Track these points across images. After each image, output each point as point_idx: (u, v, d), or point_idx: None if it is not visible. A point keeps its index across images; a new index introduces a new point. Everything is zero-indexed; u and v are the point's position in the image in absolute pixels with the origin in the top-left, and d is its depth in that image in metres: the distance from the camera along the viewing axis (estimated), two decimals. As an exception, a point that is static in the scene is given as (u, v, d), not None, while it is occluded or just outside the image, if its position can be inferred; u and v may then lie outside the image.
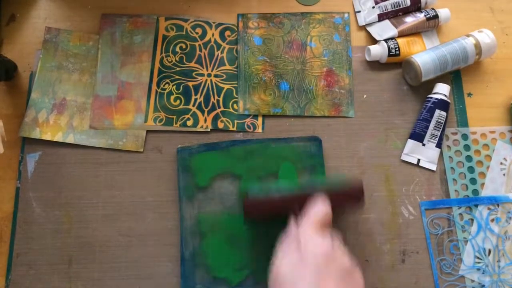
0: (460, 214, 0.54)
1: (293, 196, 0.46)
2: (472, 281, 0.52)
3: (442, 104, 0.55)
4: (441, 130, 0.55)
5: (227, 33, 0.60)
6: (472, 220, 0.54)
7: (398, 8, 0.61)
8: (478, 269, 0.52)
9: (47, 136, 0.55)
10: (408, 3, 0.60)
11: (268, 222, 0.49)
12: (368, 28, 0.61)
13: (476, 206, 0.54)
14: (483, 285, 0.51)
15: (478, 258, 0.52)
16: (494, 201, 0.54)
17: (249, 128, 0.56)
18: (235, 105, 0.57)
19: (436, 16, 0.59)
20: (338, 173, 0.53)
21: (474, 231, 0.53)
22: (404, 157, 0.56)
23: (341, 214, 0.52)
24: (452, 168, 0.56)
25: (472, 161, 0.56)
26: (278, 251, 0.41)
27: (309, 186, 0.47)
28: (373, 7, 0.61)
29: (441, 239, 0.53)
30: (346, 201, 0.48)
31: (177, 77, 0.58)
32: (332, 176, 0.52)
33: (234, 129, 0.56)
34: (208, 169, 0.53)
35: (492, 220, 0.54)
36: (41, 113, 0.56)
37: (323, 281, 0.37)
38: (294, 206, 0.45)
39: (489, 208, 0.54)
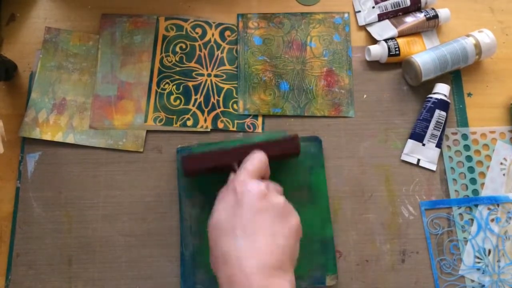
0: (460, 214, 0.54)
1: (230, 151, 0.47)
2: (472, 281, 0.52)
3: (442, 104, 0.55)
4: (441, 130, 0.55)
5: (227, 33, 0.60)
6: (472, 220, 0.54)
7: (398, 8, 0.61)
8: (478, 269, 0.52)
9: (47, 136, 0.55)
10: (408, 3, 0.60)
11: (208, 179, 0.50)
12: (368, 28, 0.61)
13: (476, 206, 0.54)
14: (483, 285, 0.52)
15: (478, 258, 0.52)
16: (494, 201, 0.54)
17: (249, 128, 0.56)
18: (235, 105, 0.57)
19: (436, 16, 0.59)
20: (279, 131, 0.55)
21: (474, 231, 0.53)
22: (404, 157, 0.56)
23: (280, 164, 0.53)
24: (452, 168, 0.56)
25: (472, 161, 0.56)
26: (216, 201, 0.43)
27: (246, 141, 0.48)
28: (373, 7, 0.61)
29: (441, 239, 0.53)
30: (282, 150, 0.49)
31: (177, 77, 0.58)
32: (270, 132, 0.54)
33: (234, 129, 0.56)
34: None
35: (492, 220, 0.54)
36: (41, 113, 0.56)
37: (258, 221, 0.38)
38: (232, 161, 0.46)
39: (489, 208, 0.54)
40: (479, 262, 0.52)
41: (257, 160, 0.44)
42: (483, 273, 0.52)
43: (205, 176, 0.50)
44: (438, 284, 0.51)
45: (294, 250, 0.40)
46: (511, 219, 0.54)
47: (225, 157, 0.47)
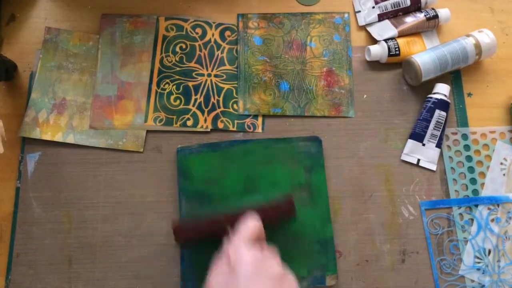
0: (460, 214, 0.54)
1: (223, 219, 0.46)
2: (472, 281, 0.52)
3: (442, 104, 0.55)
4: (441, 130, 0.55)
5: (227, 33, 0.60)
6: (472, 220, 0.54)
7: (398, 8, 0.61)
8: (478, 269, 0.52)
9: (47, 136, 0.55)
10: (408, 3, 0.60)
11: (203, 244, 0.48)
12: (368, 28, 0.61)
13: (476, 206, 0.54)
14: (483, 285, 0.51)
15: (478, 258, 0.52)
16: (494, 201, 0.54)
17: (249, 128, 0.56)
18: (235, 105, 0.57)
19: (436, 16, 0.59)
20: (273, 192, 0.52)
21: (474, 231, 0.53)
22: (404, 157, 0.56)
23: (275, 227, 0.51)
24: (452, 168, 0.56)
25: (472, 161, 0.56)
26: (211, 268, 0.41)
27: (239, 206, 0.47)
28: (373, 7, 0.61)
29: (441, 239, 0.53)
30: (277, 214, 0.48)
31: (177, 77, 0.58)
32: (264, 194, 0.52)
33: (234, 129, 0.56)
34: (208, 169, 0.53)
35: (492, 220, 0.54)
36: (41, 113, 0.56)
37: None
38: (225, 227, 0.45)
39: (489, 208, 0.54)
40: (479, 262, 0.52)
41: (251, 226, 0.42)
42: (483, 273, 0.52)
43: (196, 241, 0.50)
44: (438, 284, 0.51)
45: None
46: (511, 219, 0.54)
47: (217, 225, 0.46)
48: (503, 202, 0.54)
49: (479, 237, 0.53)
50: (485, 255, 0.52)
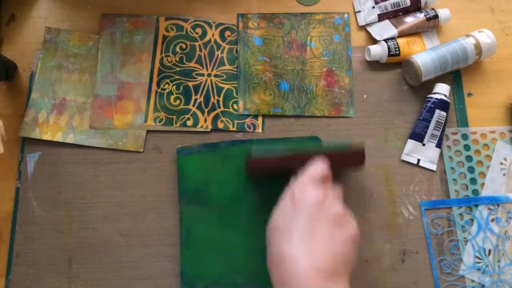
0: (460, 214, 0.54)
1: (295, 156, 0.48)
2: (472, 281, 0.52)
3: (442, 104, 0.55)
4: (441, 130, 0.55)
5: (227, 33, 0.60)
6: (472, 220, 0.54)
7: (398, 8, 0.61)
8: (478, 269, 0.52)
9: (47, 136, 0.55)
10: (408, 3, 0.60)
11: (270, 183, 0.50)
12: (368, 28, 0.61)
13: (476, 206, 0.54)
14: (483, 285, 0.51)
15: (478, 258, 0.52)
16: (494, 201, 0.54)
17: (249, 128, 0.56)
18: (235, 105, 0.57)
19: (436, 16, 0.59)
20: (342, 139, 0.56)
21: (474, 231, 0.53)
22: (404, 157, 0.56)
23: (343, 173, 0.53)
24: (452, 168, 0.56)
25: (472, 161, 0.56)
26: (278, 204, 0.44)
27: (311, 147, 0.49)
28: (373, 7, 0.61)
29: (441, 239, 0.53)
30: (347, 161, 0.50)
31: (177, 77, 0.58)
32: (336, 140, 0.55)
33: (234, 129, 0.56)
34: (208, 169, 0.53)
35: (492, 220, 0.54)
36: (41, 113, 0.56)
37: (315, 226, 0.39)
38: (296, 165, 0.46)
39: (489, 208, 0.54)
40: (479, 262, 0.52)
41: (320, 168, 0.44)
42: (483, 273, 0.52)
43: (265, 176, 0.51)
44: (438, 284, 0.51)
45: (350, 257, 0.41)
46: (511, 219, 0.54)
47: (289, 162, 0.47)
48: (503, 202, 0.54)
49: (479, 237, 0.53)
50: (485, 255, 0.52)
